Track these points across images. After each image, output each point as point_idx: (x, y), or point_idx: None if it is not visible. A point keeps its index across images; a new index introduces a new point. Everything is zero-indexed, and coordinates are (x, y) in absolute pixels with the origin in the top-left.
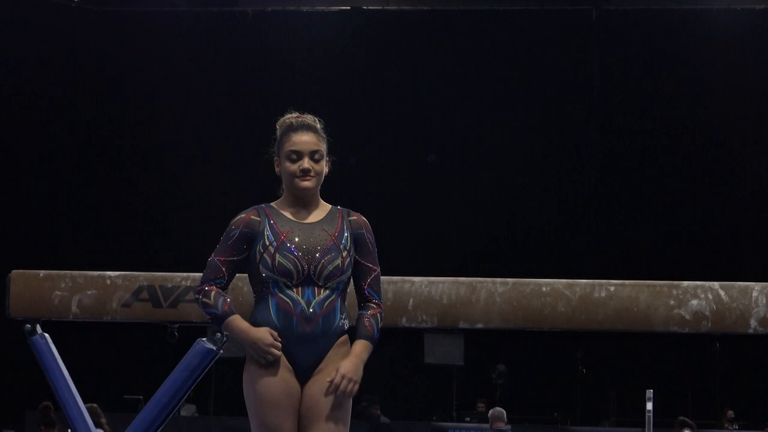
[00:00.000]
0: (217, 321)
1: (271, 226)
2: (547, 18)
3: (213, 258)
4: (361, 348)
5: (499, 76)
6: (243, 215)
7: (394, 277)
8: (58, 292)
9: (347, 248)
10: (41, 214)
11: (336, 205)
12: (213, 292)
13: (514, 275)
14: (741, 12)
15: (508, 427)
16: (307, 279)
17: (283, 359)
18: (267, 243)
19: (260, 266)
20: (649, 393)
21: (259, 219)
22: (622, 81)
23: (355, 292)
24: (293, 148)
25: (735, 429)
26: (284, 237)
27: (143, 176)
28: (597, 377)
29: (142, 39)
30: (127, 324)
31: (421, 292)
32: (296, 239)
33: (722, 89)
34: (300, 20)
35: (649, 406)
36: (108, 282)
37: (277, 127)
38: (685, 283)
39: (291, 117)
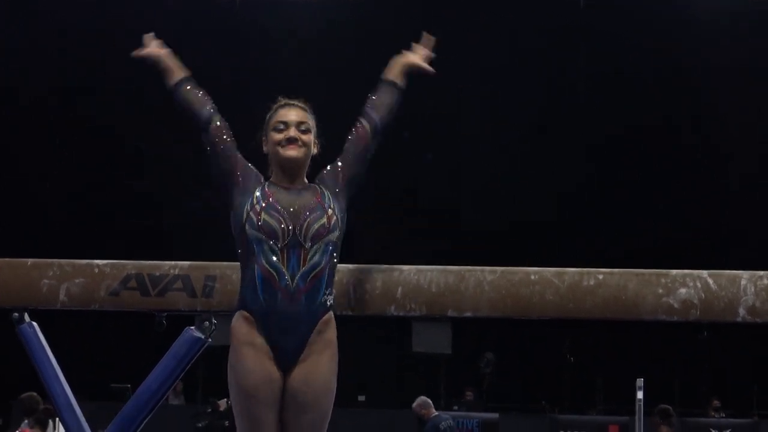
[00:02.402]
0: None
1: (262, 189)
2: (535, 6)
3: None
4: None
5: (485, 65)
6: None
7: (383, 266)
8: (45, 281)
9: (332, 207)
10: (29, 202)
11: None
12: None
13: (503, 264)
14: (729, 1)
15: (444, 414)
16: (293, 241)
17: (265, 346)
18: (254, 202)
19: (246, 226)
20: (640, 382)
21: (258, 178)
22: (610, 70)
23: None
24: (281, 118)
25: (721, 417)
26: (271, 198)
27: (131, 163)
28: (585, 366)
29: (128, 23)
30: (115, 312)
31: (410, 280)
32: (283, 201)
33: (710, 78)
34: (287, 8)
35: (640, 394)
36: (96, 270)
37: (273, 105)
38: (674, 271)
39: (278, 101)
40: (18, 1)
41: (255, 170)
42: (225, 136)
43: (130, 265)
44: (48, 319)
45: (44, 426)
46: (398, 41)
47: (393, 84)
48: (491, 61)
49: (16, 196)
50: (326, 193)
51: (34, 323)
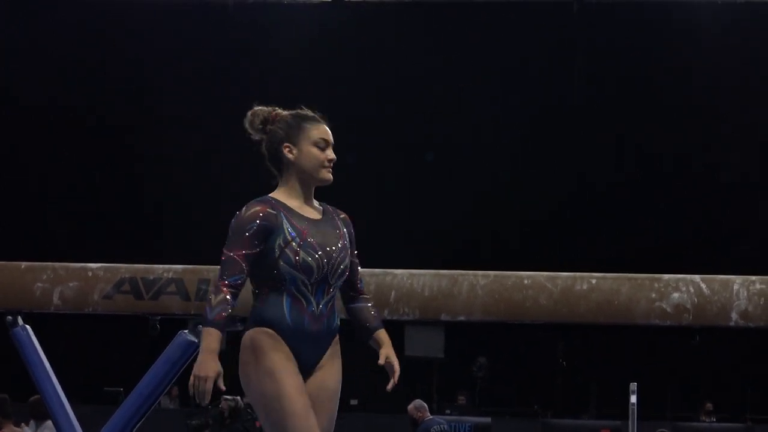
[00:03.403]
0: (202, 322)
1: (288, 220)
2: (529, 10)
3: (229, 253)
4: (387, 336)
5: (480, 69)
6: (258, 207)
7: (376, 270)
8: (39, 284)
9: (348, 248)
10: (23, 206)
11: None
12: (222, 296)
13: (496, 268)
14: (722, 5)
15: (439, 418)
16: (323, 278)
17: (290, 354)
18: (289, 239)
19: (280, 261)
20: (633, 386)
21: (275, 212)
22: (604, 74)
23: (347, 286)
24: (324, 136)
25: (712, 422)
26: (305, 234)
27: (125, 167)
28: (578, 370)
29: (123, 28)
30: (109, 316)
31: (403, 284)
32: (316, 238)
33: (704, 82)
34: (281, 12)
35: (633, 399)
36: (90, 274)
37: (287, 115)
38: (667, 276)
39: (303, 110)
40: (17, 1)
41: (265, 206)
42: (227, 311)
43: (124, 268)
44: (41, 322)
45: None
46: (392, 46)
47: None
48: (484, 65)
49: (10, 198)
50: (345, 232)
51: (28, 326)
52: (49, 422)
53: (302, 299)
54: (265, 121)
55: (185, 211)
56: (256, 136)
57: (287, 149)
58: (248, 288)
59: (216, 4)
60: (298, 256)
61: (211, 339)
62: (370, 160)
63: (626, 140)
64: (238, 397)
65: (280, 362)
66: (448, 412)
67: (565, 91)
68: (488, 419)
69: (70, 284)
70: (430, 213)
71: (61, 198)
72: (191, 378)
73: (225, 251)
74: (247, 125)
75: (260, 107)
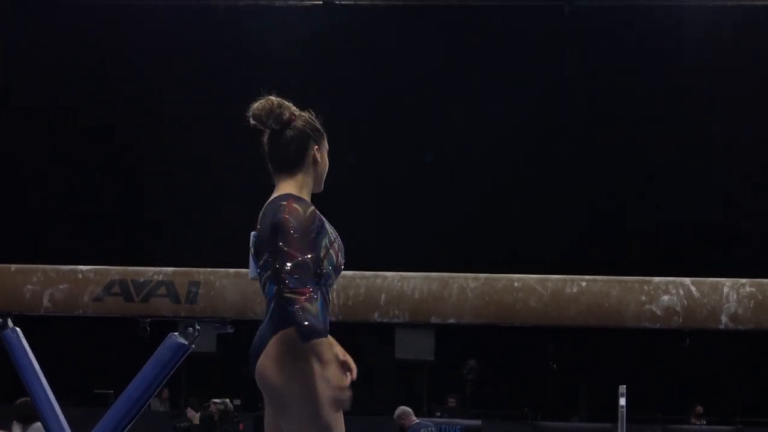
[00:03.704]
0: (310, 334)
1: (326, 222)
2: (520, 13)
3: (303, 258)
4: None
5: (471, 72)
6: (310, 206)
7: (367, 272)
8: (29, 286)
9: None
10: (12, 208)
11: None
12: (319, 301)
13: (486, 270)
14: (713, 8)
15: (426, 421)
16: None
17: None
18: (332, 239)
19: (325, 261)
20: (622, 388)
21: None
22: (594, 77)
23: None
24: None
25: (702, 424)
26: (337, 235)
27: (115, 168)
28: (568, 372)
29: (115, 30)
30: (99, 318)
31: (393, 287)
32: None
33: (695, 85)
34: (273, 14)
35: (622, 401)
36: (80, 276)
37: (311, 117)
38: (657, 278)
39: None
40: (16, 3)
41: (310, 205)
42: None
43: (114, 271)
44: (31, 325)
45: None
46: (383, 49)
47: None
48: (475, 68)
49: (0, 200)
50: None
51: (18, 329)
52: (37, 425)
53: (328, 300)
54: (292, 117)
55: (176, 213)
56: (275, 126)
57: (315, 150)
58: (249, 288)
59: (208, 6)
60: (339, 257)
61: (326, 347)
62: (369, 161)
63: (618, 143)
64: (227, 401)
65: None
66: (438, 414)
67: (557, 95)
68: (478, 422)
69: (60, 286)
70: (424, 215)
71: (52, 200)
72: (333, 391)
73: (295, 253)
74: (268, 114)
75: (282, 100)
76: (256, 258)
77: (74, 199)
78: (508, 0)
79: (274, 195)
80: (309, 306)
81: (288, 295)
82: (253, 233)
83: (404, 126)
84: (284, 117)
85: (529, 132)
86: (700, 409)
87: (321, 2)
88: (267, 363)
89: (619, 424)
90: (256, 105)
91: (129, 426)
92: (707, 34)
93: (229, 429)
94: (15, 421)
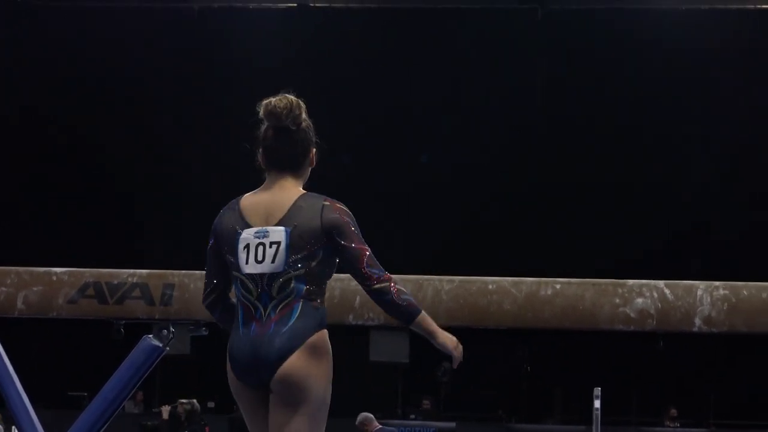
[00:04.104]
0: (413, 313)
1: None
2: (494, 16)
3: (369, 251)
4: None
5: (445, 75)
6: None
7: (342, 275)
8: (3, 288)
9: None
10: None
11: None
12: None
13: (461, 273)
14: (686, 12)
15: (388, 427)
16: None
17: None
18: None
19: (336, 259)
20: (597, 391)
21: None
22: (567, 79)
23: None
24: None
25: (676, 427)
26: None
27: (89, 171)
28: (542, 375)
29: (92, 33)
30: (73, 320)
31: None
32: None
33: (667, 89)
34: (247, 17)
35: (597, 403)
36: (54, 278)
37: (309, 117)
38: (631, 281)
39: None
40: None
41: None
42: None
43: (88, 273)
44: (5, 327)
45: None
46: (358, 51)
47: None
48: (449, 70)
49: None
50: None
51: None
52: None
53: None
54: (303, 116)
55: (150, 215)
56: (291, 126)
57: (314, 153)
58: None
59: (183, 8)
60: None
61: (427, 317)
62: (363, 162)
63: (590, 147)
64: (194, 401)
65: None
66: (413, 417)
67: (529, 99)
68: (453, 424)
69: (34, 288)
70: (403, 219)
71: (26, 201)
72: (455, 348)
73: (364, 248)
74: (288, 112)
75: (299, 100)
76: (289, 253)
77: (48, 201)
78: (481, 3)
79: (292, 192)
80: (400, 287)
81: (378, 286)
82: (271, 228)
83: (380, 127)
84: (301, 117)
85: (503, 135)
86: (674, 411)
87: (295, 5)
88: (300, 363)
89: (593, 427)
90: (275, 101)
91: (103, 428)
92: (680, 37)
93: (196, 429)
94: None
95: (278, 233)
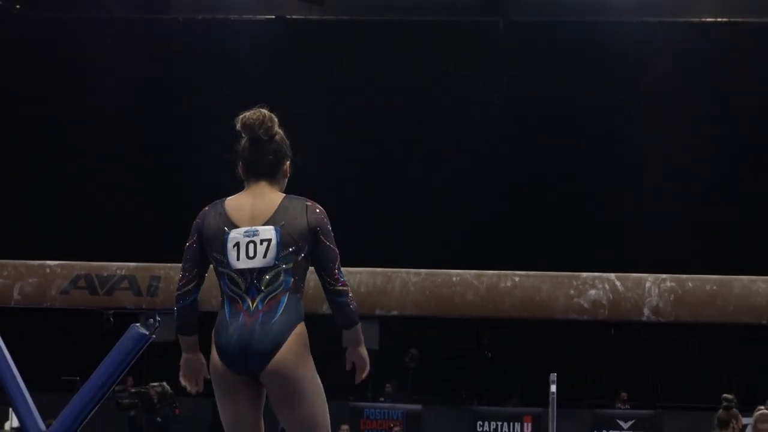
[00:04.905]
0: (355, 321)
1: None
2: (458, 28)
3: (338, 253)
4: None
5: (411, 84)
6: None
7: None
8: (0, 280)
9: None
10: None
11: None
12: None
13: (427, 266)
14: (636, 24)
15: None
16: None
17: None
18: None
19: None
20: (553, 376)
21: None
22: (527, 88)
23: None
24: None
25: (627, 408)
26: None
27: (81, 173)
28: (502, 361)
29: (82, 43)
30: (66, 310)
31: None
32: None
33: (621, 94)
34: (229, 28)
35: (553, 388)
36: (48, 271)
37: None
38: (584, 274)
39: None
40: None
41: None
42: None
43: (80, 265)
44: (2, 316)
45: None
46: (332, 60)
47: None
48: (415, 79)
49: None
50: None
51: None
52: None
53: None
54: (277, 131)
55: (137, 211)
56: (263, 137)
57: (288, 164)
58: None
59: (167, 19)
60: None
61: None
62: (328, 166)
63: (551, 149)
64: (164, 383)
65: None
66: (382, 399)
67: (490, 105)
68: (419, 406)
69: (30, 280)
70: (375, 216)
71: (21, 198)
72: (365, 364)
73: (336, 249)
74: (260, 124)
75: (272, 114)
76: (280, 248)
77: (41, 200)
78: (446, 15)
79: (274, 195)
80: (353, 296)
81: (340, 288)
82: (260, 227)
83: (352, 133)
84: (273, 129)
85: (468, 138)
86: (624, 394)
87: (274, 17)
88: (289, 356)
89: (550, 409)
90: (248, 114)
91: (94, 410)
92: (631, 48)
93: (168, 412)
94: None
95: (268, 231)
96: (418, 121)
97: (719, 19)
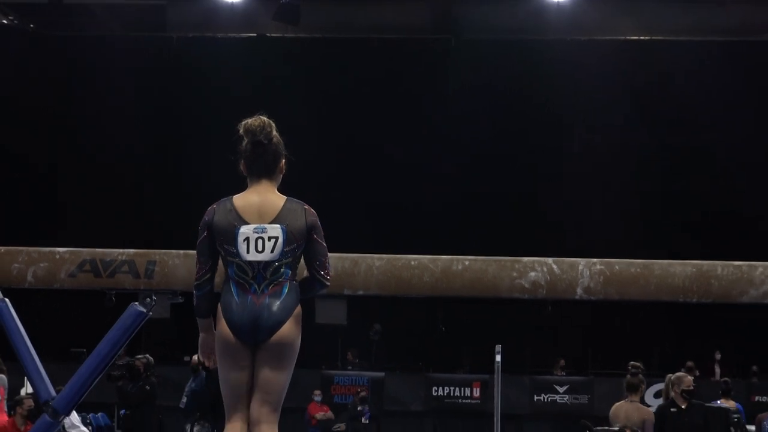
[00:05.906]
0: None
1: None
2: (412, 46)
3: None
4: None
5: (370, 99)
6: None
7: None
8: (16, 265)
9: None
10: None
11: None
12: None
13: (389, 252)
14: (571, 42)
15: None
16: None
17: None
18: None
19: None
20: (498, 347)
21: None
22: (476, 103)
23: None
24: None
25: (563, 375)
26: None
27: (87, 174)
28: (454, 334)
29: (89, 59)
30: (73, 291)
31: None
32: None
33: (557, 102)
34: (217, 45)
35: (498, 358)
36: (57, 256)
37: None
38: (525, 258)
39: None
40: None
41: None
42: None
43: (86, 252)
44: (18, 296)
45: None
46: (305, 74)
47: None
48: (374, 95)
49: None
50: None
51: (7, 300)
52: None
53: None
54: (273, 132)
55: (137, 204)
56: (264, 140)
57: (284, 163)
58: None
59: (163, 37)
60: None
61: None
62: (309, 169)
63: (503, 160)
64: (148, 355)
65: None
66: (349, 368)
67: (445, 122)
68: (382, 374)
69: (41, 265)
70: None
71: (33, 192)
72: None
73: (326, 246)
74: (261, 129)
75: (270, 120)
76: (285, 245)
77: (52, 197)
78: (399, 34)
79: (276, 197)
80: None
81: (327, 281)
82: (268, 225)
83: (329, 145)
84: (272, 134)
85: (425, 143)
86: (562, 362)
87: (255, 35)
88: (292, 327)
89: (495, 376)
90: (251, 121)
91: (98, 378)
92: (571, 64)
93: (153, 381)
94: None
95: (276, 230)
96: (379, 127)
97: (642, 38)
